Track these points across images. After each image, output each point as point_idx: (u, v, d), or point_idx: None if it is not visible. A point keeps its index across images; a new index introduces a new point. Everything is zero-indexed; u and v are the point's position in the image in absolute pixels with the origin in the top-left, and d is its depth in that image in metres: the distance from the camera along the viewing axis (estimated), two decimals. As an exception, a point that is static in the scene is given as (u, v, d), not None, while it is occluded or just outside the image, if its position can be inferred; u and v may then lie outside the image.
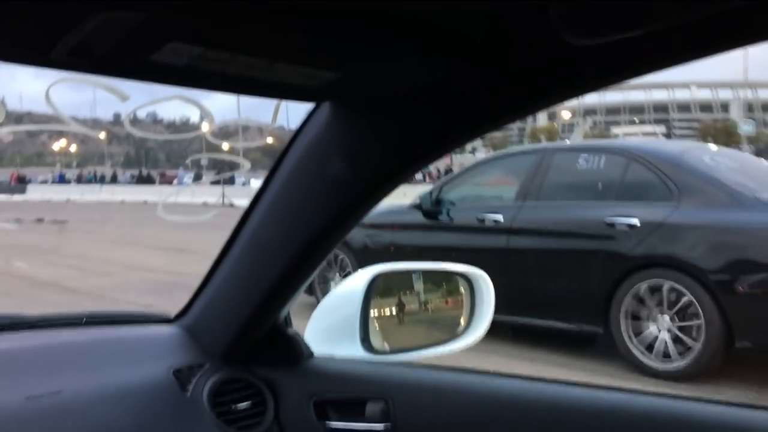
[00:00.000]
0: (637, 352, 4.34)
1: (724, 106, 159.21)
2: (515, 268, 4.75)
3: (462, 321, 1.34)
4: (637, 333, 4.34)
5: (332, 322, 1.26)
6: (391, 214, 5.69)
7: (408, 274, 1.35)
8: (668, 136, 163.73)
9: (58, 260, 10.29)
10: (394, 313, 1.29)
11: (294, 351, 1.21)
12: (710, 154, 4.90)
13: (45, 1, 0.53)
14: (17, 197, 37.40)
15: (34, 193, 38.89)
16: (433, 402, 1.11)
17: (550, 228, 4.82)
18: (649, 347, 4.30)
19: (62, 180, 54.45)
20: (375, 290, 1.24)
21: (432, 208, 5.48)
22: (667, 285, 4.25)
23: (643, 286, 4.33)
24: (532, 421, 1.03)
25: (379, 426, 1.10)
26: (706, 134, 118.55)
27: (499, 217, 5.08)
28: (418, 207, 5.57)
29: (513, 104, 0.80)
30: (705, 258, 4.13)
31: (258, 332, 1.18)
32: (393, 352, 1.27)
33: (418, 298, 1.34)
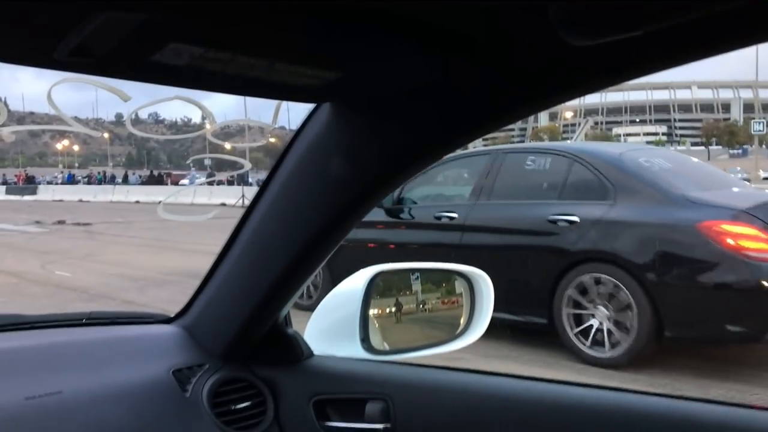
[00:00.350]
0: (578, 342, 4.56)
1: (725, 106, 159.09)
2: (468, 263, 4.86)
3: (461, 320, 1.33)
4: (578, 324, 4.58)
5: (332, 321, 1.26)
6: None
7: (407, 273, 1.35)
8: (669, 135, 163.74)
9: (102, 268, 9.55)
10: (393, 312, 1.29)
11: (294, 351, 1.21)
12: (647, 155, 5.15)
13: (46, 1, 0.53)
14: (28, 198, 36.79)
15: (45, 193, 38.20)
16: (432, 402, 1.10)
17: (500, 225, 5.09)
18: (588, 337, 4.53)
19: (71, 180, 53.70)
20: (374, 290, 1.24)
21: (394, 207, 5.69)
22: (603, 278, 4.51)
23: (582, 280, 4.58)
24: (532, 421, 1.03)
25: (379, 426, 1.10)
26: (709, 134, 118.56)
27: (455, 215, 5.34)
28: (380, 205, 5.69)
29: (513, 104, 0.80)
30: (636, 253, 4.41)
31: (258, 332, 1.17)
32: (393, 351, 1.27)
33: (417, 297, 1.34)
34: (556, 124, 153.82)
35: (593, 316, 4.54)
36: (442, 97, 0.81)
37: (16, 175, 59.08)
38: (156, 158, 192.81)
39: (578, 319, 4.59)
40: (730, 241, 4.18)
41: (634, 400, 1.00)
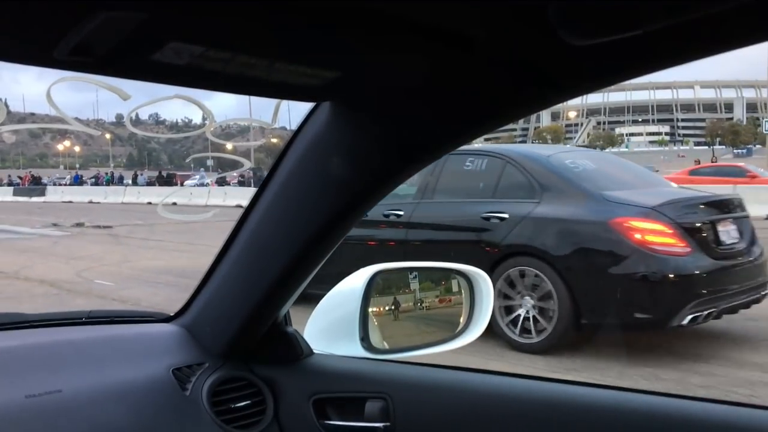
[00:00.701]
0: (507, 330, 4.97)
1: (728, 106, 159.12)
2: (413, 257, 5.58)
3: (461, 319, 1.34)
4: (508, 313, 4.99)
5: (331, 320, 1.26)
6: None
7: (407, 272, 1.35)
8: (672, 135, 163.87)
9: (143, 275, 8.70)
10: (393, 311, 1.30)
11: (293, 349, 1.21)
12: (574, 157, 5.60)
13: (46, 0, 0.54)
14: (36, 199, 35.86)
15: (54, 195, 36.69)
16: (432, 400, 1.10)
17: (440, 222, 5.50)
18: (516, 325, 4.95)
19: (78, 182, 52.23)
20: (374, 289, 1.24)
21: None
22: (529, 270, 4.96)
23: (511, 272, 5.02)
24: (532, 420, 1.03)
25: (379, 424, 1.10)
26: (713, 134, 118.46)
27: (401, 213, 5.74)
28: None
29: (513, 103, 0.80)
30: (556, 247, 4.87)
31: (257, 331, 1.17)
32: (392, 350, 1.27)
33: (417, 296, 1.34)
34: (559, 124, 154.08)
35: (521, 306, 4.95)
36: (442, 97, 0.81)
37: (21, 177, 58.39)
38: (157, 159, 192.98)
39: (508, 309, 4.98)
40: (637, 236, 4.60)
41: (634, 399, 1.00)
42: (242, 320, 1.15)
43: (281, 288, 1.10)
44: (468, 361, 1.94)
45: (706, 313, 4.62)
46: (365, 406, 1.12)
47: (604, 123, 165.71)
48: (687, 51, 0.64)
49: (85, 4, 0.54)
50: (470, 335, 1.32)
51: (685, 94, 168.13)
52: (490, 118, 0.83)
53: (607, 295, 4.65)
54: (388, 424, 1.10)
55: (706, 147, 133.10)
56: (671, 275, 4.58)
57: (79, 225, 17.42)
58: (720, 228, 4.93)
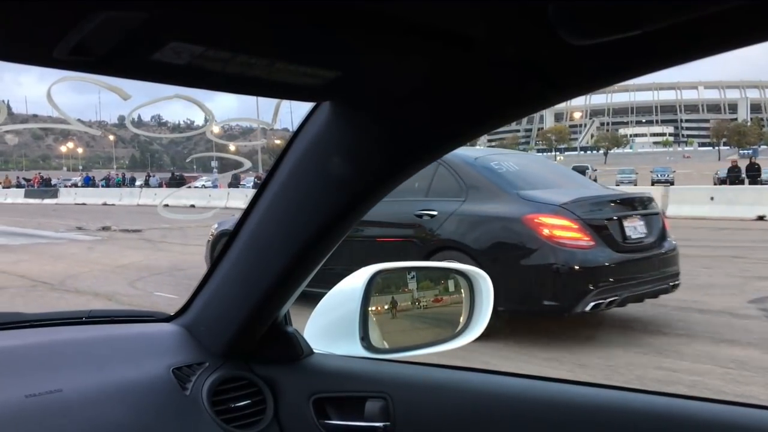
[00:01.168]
0: None
1: (732, 107, 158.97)
2: (356, 252, 5.28)
3: (461, 319, 1.33)
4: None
5: (332, 320, 1.26)
6: None
7: (407, 272, 1.35)
8: (676, 136, 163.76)
9: None
10: (393, 311, 1.30)
11: (293, 349, 1.21)
12: (500, 159, 6.06)
13: (46, 0, 0.54)
14: (49, 201, 35.33)
15: (67, 196, 36.20)
16: (432, 400, 1.10)
17: (381, 219, 5.77)
18: None
19: (90, 183, 51.43)
20: (374, 288, 1.24)
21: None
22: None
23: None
24: (532, 420, 1.02)
25: (379, 424, 1.10)
26: (719, 135, 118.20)
27: None
28: None
29: (512, 104, 0.80)
30: (477, 241, 5.38)
31: (257, 330, 1.17)
32: (392, 350, 1.27)
33: (417, 296, 1.34)
34: (564, 125, 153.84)
35: None
36: (442, 96, 0.81)
37: (27, 179, 57.80)
38: (159, 160, 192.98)
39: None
40: (546, 231, 5.08)
41: (634, 399, 1.00)
42: (242, 320, 1.15)
43: (281, 287, 1.10)
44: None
45: (608, 301, 5.04)
46: (365, 405, 1.12)
47: (607, 124, 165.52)
48: (687, 51, 0.63)
49: (85, 4, 0.54)
50: (470, 335, 1.31)
51: (689, 95, 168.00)
52: (490, 117, 0.82)
53: (521, 285, 5.08)
54: (388, 423, 1.10)
55: (711, 148, 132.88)
56: (576, 266, 5.05)
57: (106, 229, 16.83)
58: (626, 224, 5.42)
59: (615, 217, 5.39)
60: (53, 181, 51.15)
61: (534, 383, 1.09)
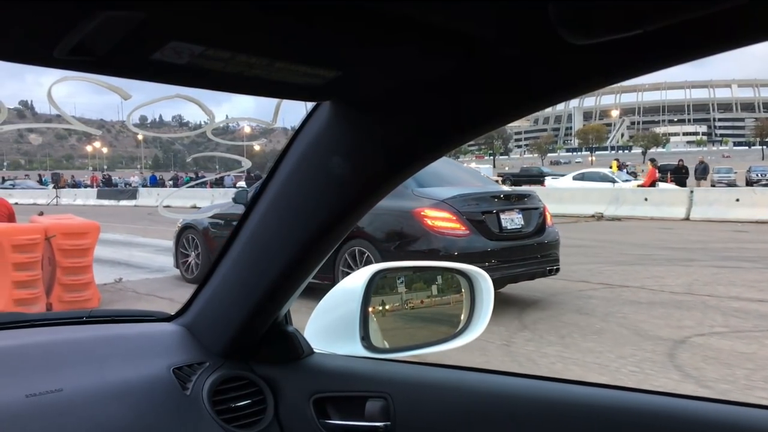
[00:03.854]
0: None
1: (767, 105, 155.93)
2: None
3: (461, 319, 1.32)
4: None
5: (332, 320, 1.25)
6: (222, 206, 8.59)
7: (408, 272, 1.34)
8: (709, 135, 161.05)
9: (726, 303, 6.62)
10: (393, 311, 1.29)
11: (294, 349, 1.20)
12: None
13: (46, 0, 0.54)
14: (125, 203, 32.59)
15: (147, 198, 32.10)
16: (432, 400, 1.10)
17: None
18: None
19: (156, 183, 48.35)
20: (374, 288, 1.24)
21: (246, 203, 6.43)
22: (362, 249, 6.37)
23: (351, 250, 6.43)
24: (532, 420, 1.02)
25: (379, 424, 1.09)
26: (763, 133, 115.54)
27: None
28: (238, 202, 7.65)
29: (513, 103, 0.79)
30: (378, 230, 6.32)
31: (258, 330, 1.16)
32: (392, 350, 1.27)
33: (417, 296, 1.33)
34: (600, 124, 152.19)
35: None
36: (442, 96, 0.81)
37: (91, 178, 55.76)
38: (182, 160, 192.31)
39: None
40: (429, 222, 6.11)
41: (635, 399, 0.99)
42: (243, 320, 1.14)
43: (281, 287, 1.09)
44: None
45: None
46: (366, 405, 1.11)
47: (638, 123, 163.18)
48: (687, 50, 0.63)
49: (85, 4, 0.54)
50: (471, 334, 1.30)
51: (722, 93, 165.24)
52: (490, 116, 0.81)
53: None
54: (388, 423, 1.09)
55: (746, 147, 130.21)
56: (455, 252, 5.92)
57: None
58: (503, 216, 6.37)
59: (493, 211, 6.35)
60: (114, 180, 49.03)
61: (534, 383, 1.08)
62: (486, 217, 6.20)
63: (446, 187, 6.50)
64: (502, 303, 6.14)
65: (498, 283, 5.71)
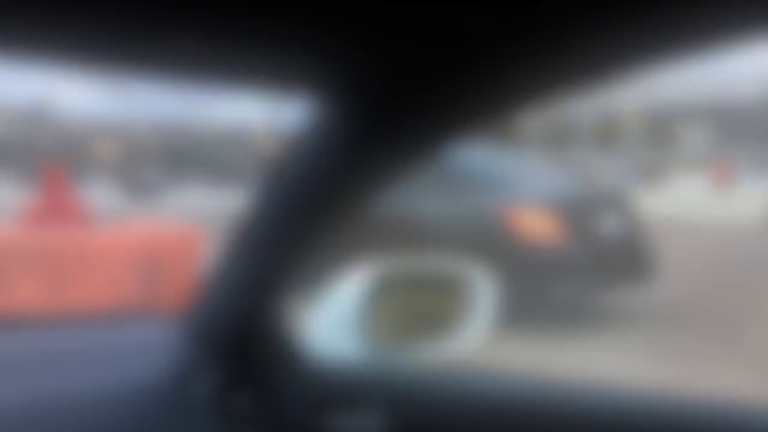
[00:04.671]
0: None
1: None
2: None
3: (462, 318, 1.33)
4: None
5: (332, 320, 1.26)
6: None
7: (408, 272, 1.35)
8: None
9: None
10: (394, 311, 1.29)
11: (294, 350, 1.21)
12: None
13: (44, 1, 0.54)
14: None
15: None
16: (433, 402, 1.10)
17: None
18: None
19: None
20: (374, 288, 1.24)
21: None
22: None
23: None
24: (534, 422, 1.02)
25: (380, 425, 1.10)
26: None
27: None
28: None
29: (512, 102, 0.81)
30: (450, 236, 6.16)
31: (258, 330, 1.18)
32: (393, 351, 1.27)
33: (418, 296, 1.33)
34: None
35: None
36: (441, 96, 0.82)
37: None
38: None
39: None
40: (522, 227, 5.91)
41: (635, 399, 1.00)
42: (243, 320, 1.15)
43: (281, 287, 1.11)
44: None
45: None
46: (366, 406, 1.11)
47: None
48: (686, 50, 0.63)
49: (84, 3, 0.54)
50: (471, 334, 1.31)
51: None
52: (489, 116, 0.83)
53: None
54: (389, 424, 1.10)
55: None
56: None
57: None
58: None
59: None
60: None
61: (534, 383, 1.09)
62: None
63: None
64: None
65: None
